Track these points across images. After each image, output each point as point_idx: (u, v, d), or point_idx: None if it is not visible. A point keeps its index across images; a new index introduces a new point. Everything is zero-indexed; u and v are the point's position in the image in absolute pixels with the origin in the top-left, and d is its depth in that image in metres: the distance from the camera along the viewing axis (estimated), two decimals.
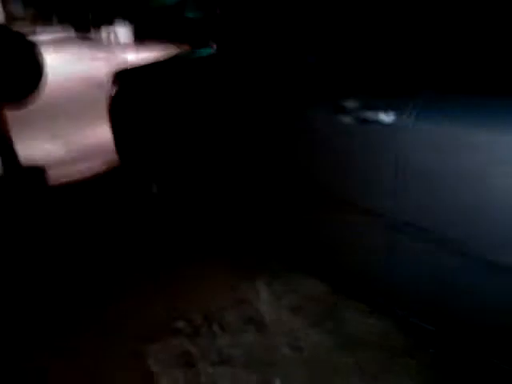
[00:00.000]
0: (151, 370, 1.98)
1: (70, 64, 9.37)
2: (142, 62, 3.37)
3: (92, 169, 4.05)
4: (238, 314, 2.25)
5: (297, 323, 2.17)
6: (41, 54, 3.32)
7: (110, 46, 11.15)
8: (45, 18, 15.16)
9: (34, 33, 13.37)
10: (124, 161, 3.54)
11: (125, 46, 10.89)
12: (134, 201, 3.39)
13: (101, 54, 10.27)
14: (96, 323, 2.28)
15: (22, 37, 3.22)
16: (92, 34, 12.41)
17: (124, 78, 3.34)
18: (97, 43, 11.59)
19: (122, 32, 11.20)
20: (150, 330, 2.19)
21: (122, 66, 3.42)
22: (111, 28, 11.38)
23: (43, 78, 3.37)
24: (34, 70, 3.31)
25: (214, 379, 1.91)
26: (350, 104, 1.75)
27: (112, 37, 11.41)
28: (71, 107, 5.93)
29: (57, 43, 12.15)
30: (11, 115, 3.72)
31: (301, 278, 2.43)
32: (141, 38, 11.11)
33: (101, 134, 3.39)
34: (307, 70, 2.10)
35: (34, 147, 4.51)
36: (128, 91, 3.23)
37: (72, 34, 13.16)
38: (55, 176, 3.89)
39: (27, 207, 3.46)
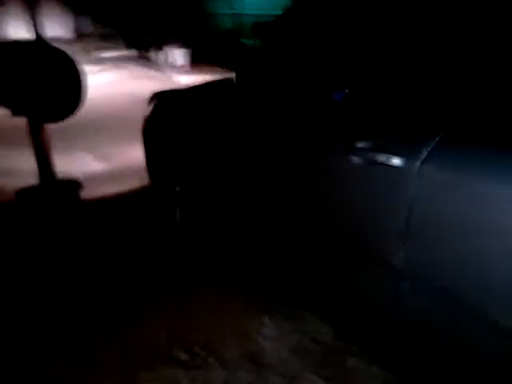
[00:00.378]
0: None
1: (124, 81, 9.69)
2: (183, 86, 3.43)
3: (126, 188, 4.10)
4: (239, 349, 2.19)
5: (297, 366, 2.08)
6: (81, 71, 3.44)
7: (167, 67, 11.48)
8: (111, 36, 15.82)
9: (100, 50, 13.98)
10: (153, 183, 3.58)
11: (180, 69, 11.19)
12: (157, 224, 3.41)
13: (156, 74, 10.59)
14: (97, 339, 2.28)
15: (63, 54, 3.35)
16: (152, 55, 12.82)
17: (160, 99, 3.40)
18: (154, 64, 11.97)
19: (179, 54, 11.51)
20: (147, 356, 2.17)
21: (171, 88, 3.47)
22: (169, 50, 11.73)
23: (82, 95, 3.47)
24: (74, 87, 3.43)
25: None
26: (362, 144, 1.70)
27: (169, 58, 11.76)
28: (117, 124, 6.10)
29: (118, 61, 12.62)
30: (53, 128, 3.85)
31: (308, 319, 2.35)
32: (197, 61, 11.40)
33: (142, 153, 3.46)
34: (330, 107, 2.05)
35: (73, 161, 4.64)
36: (161, 113, 3.28)
37: (134, 53, 13.64)
38: (90, 191, 3.97)
39: (58, 219, 3.54)
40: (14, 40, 3.56)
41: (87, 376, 2.07)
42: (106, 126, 6.00)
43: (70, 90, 3.44)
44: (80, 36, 15.96)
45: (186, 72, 10.88)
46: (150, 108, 3.39)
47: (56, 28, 14.85)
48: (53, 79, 3.36)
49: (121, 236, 3.31)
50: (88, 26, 16.71)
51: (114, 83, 9.47)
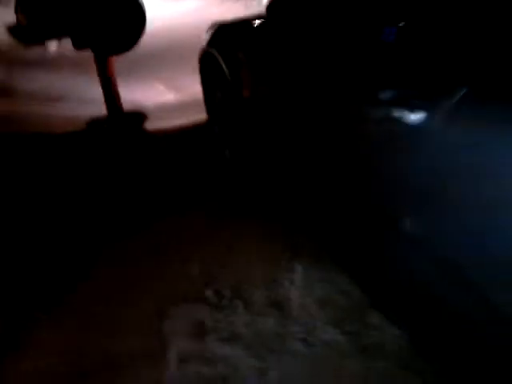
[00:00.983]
0: (163, 331, 2.04)
1: (209, 7, 9.48)
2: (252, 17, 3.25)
3: (193, 120, 4.10)
4: (266, 295, 2.19)
5: (320, 318, 2.05)
6: (142, 8, 3.43)
7: None
8: None
9: None
10: (209, 118, 3.56)
11: None
12: (211, 159, 3.42)
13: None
14: (136, 268, 2.40)
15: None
16: None
17: (217, 30, 3.29)
18: None
19: None
20: (179, 292, 2.24)
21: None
22: None
23: (143, 25, 3.47)
24: (136, 19, 3.42)
25: (213, 355, 1.90)
26: (386, 96, 1.53)
27: None
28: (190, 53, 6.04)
29: None
30: (130, 57, 3.89)
31: (340, 270, 2.28)
32: None
33: None
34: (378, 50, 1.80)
35: (145, 91, 4.72)
36: (215, 45, 3.19)
37: None
38: (157, 122, 4.04)
39: (122, 149, 3.66)
40: None
41: (120, 306, 2.19)
42: (185, 56, 5.97)
43: (132, 22, 3.44)
44: None
45: None
46: (207, 39, 3.31)
47: None
48: (114, 11, 3.36)
49: (176, 168, 3.37)
50: None
51: (199, 9, 9.32)
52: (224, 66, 2.99)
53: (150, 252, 2.53)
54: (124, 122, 3.91)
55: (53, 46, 3.81)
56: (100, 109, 3.97)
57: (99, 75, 3.73)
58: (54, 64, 4.83)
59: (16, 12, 3.52)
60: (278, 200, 2.85)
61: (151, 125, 4.04)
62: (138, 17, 3.46)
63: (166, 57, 5.55)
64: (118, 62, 3.91)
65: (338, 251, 2.38)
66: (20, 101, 4.52)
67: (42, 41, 3.55)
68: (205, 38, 3.31)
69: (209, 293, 2.23)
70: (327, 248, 2.43)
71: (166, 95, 4.77)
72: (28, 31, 3.47)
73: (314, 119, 2.21)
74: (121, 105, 3.89)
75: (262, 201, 2.89)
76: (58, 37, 3.50)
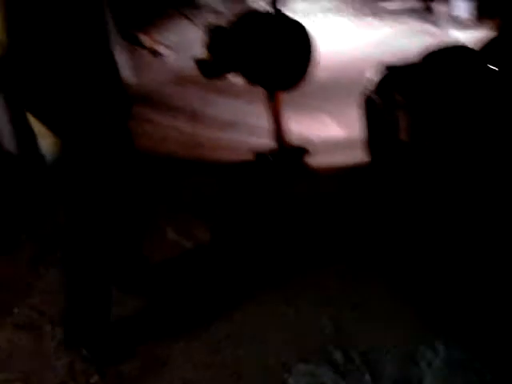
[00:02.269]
0: None
1: (395, 37, 9.27)
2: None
3: (357, 157, 3.94)
4: (397, 371, 2.02)
5: None
6: (312, 39, 3.48)
7: (447, 20, 10.55)
8: None
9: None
10: (373, 161, 3.44)
11: (462, 22, 10.14)
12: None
13: (431, 29, 9.82)
14: None
15: (299, 25, 3.41)
16: (434, 6, 11.91)
17: (389, 72, 3.18)
18: (434, 17, 11.10)
19: (462, 5, 10.39)
20: (308, 347, 2.18)
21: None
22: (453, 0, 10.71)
23: (313, 63, 3.53)
24: (307, 58, 3.48)
25: None
26: None
27: (451, 11, 10.74)
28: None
29: (398, 13, 11.96)
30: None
31: (488, 359, 2.00)
32: (485, 13, 10.15)
33: None
34: None
35: (311, 123, 4.75)
36: (387, 89, 3.08)
37: (416, 4, 12.84)
38: (319, 157, 4.01)
39: (283, 185, 3.65)
40: (252, 10, 3.77)
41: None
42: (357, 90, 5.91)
43: (301, 61, 3.51)
44: None
45: (471, 27, 9.82)
46: (376, 78, 3.23)
47: None
48: (287, 50, 3.46)
49: (332, 212, 3.21)
50: None
51: (387, 39, 9.10)
52: (384, 110, 2.89)
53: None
54: (288, 156, 3.97)
55: (232, 77, 4.07)
56: (268, 139, 4.07)
57: (268, 108, 3.87)
58: (233, 93, 5.14)
59: (204, 47, 3.83)
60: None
61: (315, 160, 4.02)
62: (307, 55, 3.53)
63: (339, 89, 5.54)
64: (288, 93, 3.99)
65: (489, 337, 2.10)
66: (200, 125, 4.90)
67: (221, 74, 3.78)
68: (368, 77, 3.24)
69: (337, 355, 2.12)
70: (477, 332, 2.15)
71: (333, 129, 4.75)
72: (211, 66, 3.75)
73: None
74: (287, 138, 3.97)
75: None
76: (235, 72, 3.71)
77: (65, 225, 2.13)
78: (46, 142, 1.99)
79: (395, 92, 2.79)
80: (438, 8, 11.48)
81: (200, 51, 3.86)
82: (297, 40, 3.47)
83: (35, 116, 1.98)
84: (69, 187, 2.07)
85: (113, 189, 2.09)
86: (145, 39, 7.94)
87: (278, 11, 3.60)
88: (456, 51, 2.77)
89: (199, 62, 3.85)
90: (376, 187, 3.23)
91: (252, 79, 3.61)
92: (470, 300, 2.29)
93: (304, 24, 3.59)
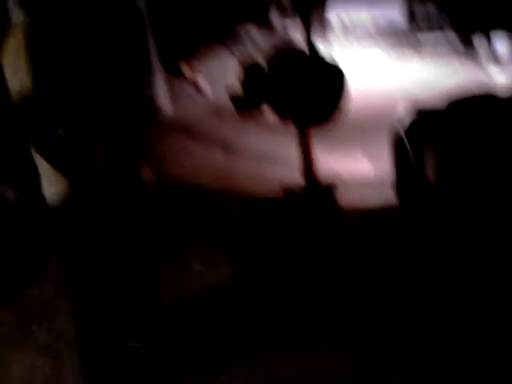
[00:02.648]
0: None
1: (427, 74, 9.06)
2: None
3: (389, 198, 3.87)
4: None
5: None
6: (345, 75, 3.53)
7: (488, 59, 10.37)
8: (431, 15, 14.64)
9: (417, 30, 13.02)
10: (401, 202, 3.40)
11: (502, 59, 9.98)
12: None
13: (467, 63, 9.65)
14: None
15: (328, 60, 3.49)
16: (475, 42, 11.70)
17: (421, 117, 3.18)
18: (474, 53, 10.92)
19: (502, 40, 10.22)
20: None
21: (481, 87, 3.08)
22: (494, 38, 10.54)
23: (343, 99, 3.57)
24: (339, 96, 3.53)
25: None
26: None
27: (493, 49, 10.56)
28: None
29: (434, 44, 11.69)
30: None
31: None
32: None
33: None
34: None
35: (343, 159, 4.75)
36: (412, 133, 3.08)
37: (454, 36, 12.57)
38: (349, 196, 3.95)
39: (313, 224, 3.62)
40: (286, 46, 3.86)
41: None
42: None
43: (334, 98, 3.55)
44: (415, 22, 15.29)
45: (508, 64, 9.67)
46: (407, 119, 3.23)
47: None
48: (318, 87, 3.52)
49: (361, 258, 3.09)
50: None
51: (421, 74, 8.98)
52: (413, 153, 2.89)
53: None
54: (317, 193, 3.96)
55: (265, 111, 4.13)
56: (299, 172, 4.06)
57: (298, 143, 3.90)
58: (267, 125, 5.19)
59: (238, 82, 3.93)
60: None
61: (344, 197, 3.97)
62: (339, 92, 3.57)
63: (371, 124, 5.53)
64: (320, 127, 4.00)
65: None
66: (233, 156, 4.97)
67: (253, 109, 3.86)
68: (399, 117, 3.24)
69: None
70: None
71: (364, 165, 4.74)
72: (244, 100, 3.84)
73: None
74: (316, 174, 3.97)
75: None
76: (267, 106, 3.78)
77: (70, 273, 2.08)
78: (52, 188, 1.95)
79: (425, 137, 2.79)
80: (478, 42, 11.30)
81: (236, 83, 3.96)
82: (329, 77, 3.53)
83: (45, 157, 1.91)
84: (76, 230, 1.99)
85: (124, 230, 2.06)
86: (184, 69, 8.16)
87: (312, 47, 3.67)
88: (488, 99, 2.77)
89: (232, 96, 3.96)
90: (403, 230, 3.20)
91: (283, 114, 3.67)
92: None
93: (337, 60, 3.64)
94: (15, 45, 1.81)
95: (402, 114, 3.40)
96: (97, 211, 1.97)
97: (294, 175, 4.09)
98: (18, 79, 1.78)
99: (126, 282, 2.19)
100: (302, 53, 3.74)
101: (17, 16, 1.89)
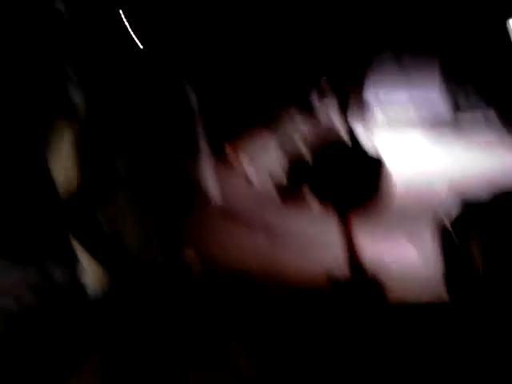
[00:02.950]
0: None
1: (469, 157, 8.78)
2: None
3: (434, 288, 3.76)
4: None
5: None
6: (384, 165, 3.59)
7: None
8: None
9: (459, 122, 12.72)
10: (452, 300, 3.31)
11: None
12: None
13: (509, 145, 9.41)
14: None
15: (374, 156, 3.57)
16: None
17: (467, 209, 3.18)
18: None
19: None
20: None
21: None
22: None
23: (386, 185, 3.61)
24: (379, 183, 3.60)
25: None
26: None
27: None
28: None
29: (474, 125, 11.41)
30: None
31: None
32: None
33: None
34: None
35: (389, 247, 4.69)
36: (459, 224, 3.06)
37: (492, 114, 12.25)
38: (397, 288, 3.86)
39: (357, 318, 3.52)
40: (327, 137, 4.00)
41: None
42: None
43: (374, 179, 3.61)
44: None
45: None
46: (452, 211, 3.22)
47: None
48: (360, 175, 3.59)
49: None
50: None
51: (463, 158, 8.74)
52: (460, 245, 2.86)
53: None
54: (363, 285, 3.90)
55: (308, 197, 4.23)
56: (343, 260, 4.03)
57: (339, 229, 3.91)
58: (311, 211, 5.22)
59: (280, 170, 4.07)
60: None
61: (389, 288, 3.89)
62: (379, 177, 3.63)
63: (415, 210, 5.49)
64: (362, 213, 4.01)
65: None
66: (276, 242, 5.00)
67: (296, 198, 3.97)
68: (443, 207, 3.25)
69: None
70: None
71: (409, 252, 4.66)
72: (287, 188, 3.96)
73: None
74: (361, 262, 3.94)
75: None
76: (310, 193, 3.87)
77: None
78: (92, 277, 1.97)
79: (471, 229, 2.78)
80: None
81: (280, 169, 4.09)
82: (369, 163, 3.61)
83: (86, 247, 1.95)
84: (115, 322, 1.98)
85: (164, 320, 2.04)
86: (230, 153, 8.45)
87: (351, 132, 3.78)
88: None
89: (276, 183, 4.08)
90: (451, 323, 3.10)
91: (325, 202, 3.73)
92: None
93: (377, 145, 3.73)
94: (64, 139, 1.88)
95: (447, 202, 3.41)
96: (137, 303, 1.97)
97: (338, 262, 4.07)
98: (63, 171, 1.85)
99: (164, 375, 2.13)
100: (342, 139, 3.85)
101: (75, 96, 1.94)
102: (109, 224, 1.93)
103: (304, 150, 3.96)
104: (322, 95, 11.57)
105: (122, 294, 1.95)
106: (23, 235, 3.92)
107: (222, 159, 7.66)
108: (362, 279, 3.86)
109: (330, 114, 10.74)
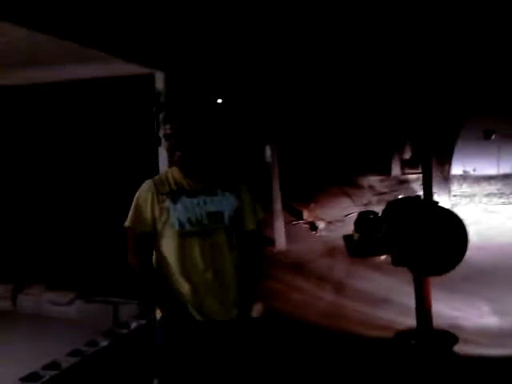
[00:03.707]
0: None
1: None
2: None
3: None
4: None
5: None
6: (465, 230, 3.44)
7: None
8: None
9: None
10: None
11: None
12: None
13: None
14: None
15: (451, 214, 3.46)
16: None
17: None
18: None
19: None
20: None
21: None
22: None
23: (465, 250, 3.45)
24: (459, 245, 3.45)
25: None
26: None
27: None
28: None
29: None
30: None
31: None
32: None
33: None
34: None
35: (464, 308, 4.45)
36: None
37: None
38: (469, 347, 3.68)
39: (427, 373, 3.39)
40: (406, 197, 3.93)
41: None
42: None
43: (455, 248, 3.47)
44: None
45: None
46: None
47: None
48: (438, 238, 3.47)
49: None
50: None
51: None
52: None
53: None
54: (433, 342, 3.71)
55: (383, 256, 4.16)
56: (412, 319, 3.88)
57: (415, 291, 3.76)
58: (380, 268, 5.13)
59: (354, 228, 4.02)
60: None
61: (464, 349, 3.70)
62: (459, 243, 3.47)
63: (496, 276, 5.21)
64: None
65: None
66: (343, 296, 4.91)
67: (367, 256, 3.89)
68: None
69: None
70: None
71: (489, 318, 4.38)
72: (358, 246, 3.90)
73: None
74: (432, 323, 3.75)
75: None
76: (383, 253, 3.78)
77: None
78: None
79: None
80: None
81: (351, 229, 4.04)
82: (449, 227, 3.48)
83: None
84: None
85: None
86: (304, 212, 8.52)
87: (431, 198, 3.71)
88: None
89: (347, 240, 4.03)
90: None
91: (400, 263, 3.62)
92: None
93: (457, 211, 3.61)
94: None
95: None
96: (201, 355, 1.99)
97: (408, 321, 3.91)
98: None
99: None
100: (420, 203, 3.77)
101: (164, 129, 1.99)
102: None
103: (378, 213, 3.91)
104: (402, 162, 11.38)
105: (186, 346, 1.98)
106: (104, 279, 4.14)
107: (296, 217, 7.74)
108: (432, 336, 3.66)
109: (409, 180, 10.52)
